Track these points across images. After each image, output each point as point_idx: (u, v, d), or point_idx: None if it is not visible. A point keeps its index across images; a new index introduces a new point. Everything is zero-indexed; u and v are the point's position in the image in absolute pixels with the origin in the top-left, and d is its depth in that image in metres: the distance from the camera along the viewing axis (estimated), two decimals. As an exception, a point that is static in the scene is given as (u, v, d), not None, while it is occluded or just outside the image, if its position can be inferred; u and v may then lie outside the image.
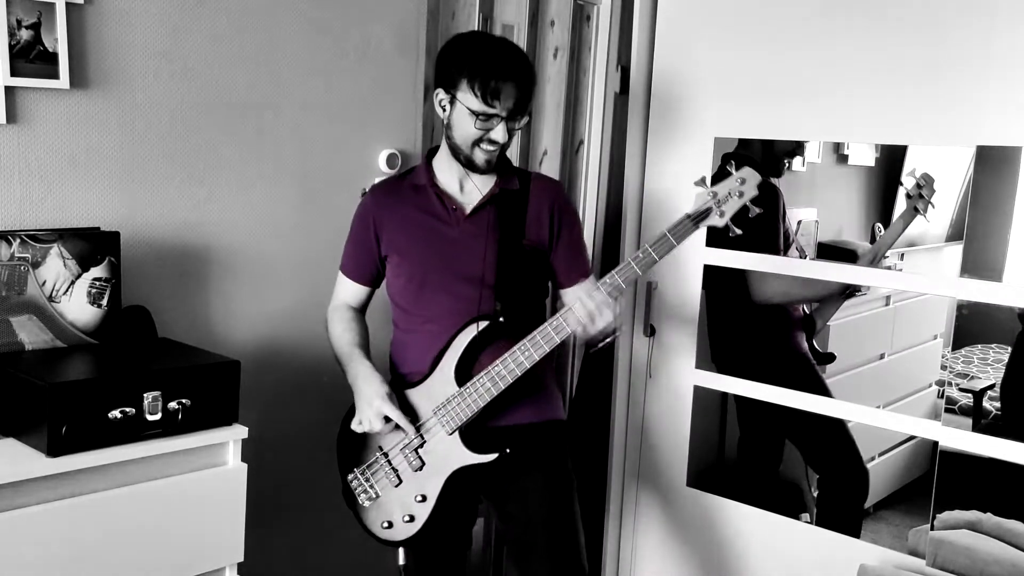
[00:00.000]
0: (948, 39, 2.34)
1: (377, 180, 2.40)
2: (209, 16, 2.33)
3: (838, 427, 2.64)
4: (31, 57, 2.04)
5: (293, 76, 2.50)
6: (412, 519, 2.11)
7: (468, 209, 2.13)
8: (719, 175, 2.00)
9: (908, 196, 2.45)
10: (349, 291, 2.25)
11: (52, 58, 2.07)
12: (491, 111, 2.00)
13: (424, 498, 2.10)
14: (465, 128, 2.04)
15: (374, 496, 2.14)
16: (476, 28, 2.75)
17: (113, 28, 2.17)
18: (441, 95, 2.07)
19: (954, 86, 2.34)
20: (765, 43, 2.62)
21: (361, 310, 2.28)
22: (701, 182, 1.97)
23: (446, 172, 2.15)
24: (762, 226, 2.60)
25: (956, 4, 2.32)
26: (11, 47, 2.01)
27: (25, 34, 2.03)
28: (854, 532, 2.61)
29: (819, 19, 2.53)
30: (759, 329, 2.78)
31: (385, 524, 2.14)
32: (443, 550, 2.26)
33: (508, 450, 2.07)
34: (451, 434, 2.07)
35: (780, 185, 2.64)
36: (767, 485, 2.80)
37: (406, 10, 2.71)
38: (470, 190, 2.15)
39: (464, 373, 2.07)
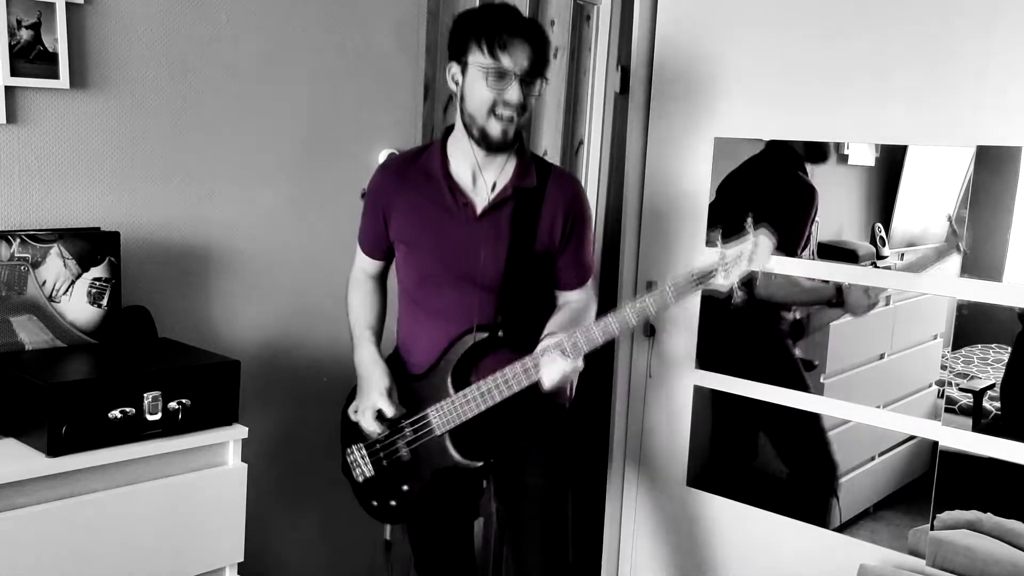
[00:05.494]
0: (948, 39, 2.34)
1: (388, 153, 2.38)
2: (209, 16, 2.32)
3: (813, 424, 2.67)
4: (31, 57, 2.04)
5: (293, 76, 2.50)
6: (395, 505, 2.17)
7: (479, 208, 2.08)
8: (730, 229, 1.92)
9: (954, 233, 2.41)
10: (366, 262, 2.28)
11: (52, 58, 2.07)
12: (502, 66, 1.95)
13: (408, 488, 2.14)
14: (479, 92, 1.98)
15: (367, 474, 2.18)
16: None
17: (113, 28, 2.17)
18: (454, 68, 2.04)
19: (954, 86, 2.34)
20: (765, 43, 2.62)
21: (380, 278, 2.30)
22: (715, 241, 1.92)
23: (460, 160, 2.09)
24: (789, 226, 2.60)
25: (956, 4, 2.32)
26: (11, 47, 2.01)
27: (25, 34, 2.03)
28: (821, 520, 2.66)
29: (819, 20, 2.53)
30: (753, 333, 2.78)
31: (374, 503, 2.20)
32: (443, 537, 2.31)
33: (492, 460, 2.13)
34: (441, 435, 2.09)
35: (818, 183, 2.61)
36: (741, 478, 2.82)
37: (406, 10, 2.70)
38: (482, 186, 2.10)
39: (462, 377, 2.08)
